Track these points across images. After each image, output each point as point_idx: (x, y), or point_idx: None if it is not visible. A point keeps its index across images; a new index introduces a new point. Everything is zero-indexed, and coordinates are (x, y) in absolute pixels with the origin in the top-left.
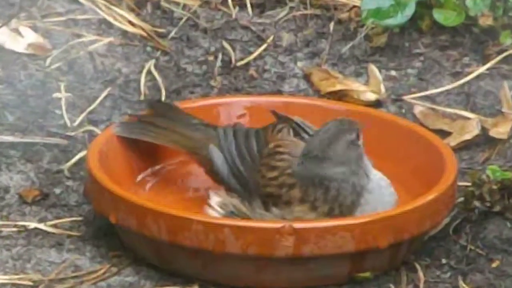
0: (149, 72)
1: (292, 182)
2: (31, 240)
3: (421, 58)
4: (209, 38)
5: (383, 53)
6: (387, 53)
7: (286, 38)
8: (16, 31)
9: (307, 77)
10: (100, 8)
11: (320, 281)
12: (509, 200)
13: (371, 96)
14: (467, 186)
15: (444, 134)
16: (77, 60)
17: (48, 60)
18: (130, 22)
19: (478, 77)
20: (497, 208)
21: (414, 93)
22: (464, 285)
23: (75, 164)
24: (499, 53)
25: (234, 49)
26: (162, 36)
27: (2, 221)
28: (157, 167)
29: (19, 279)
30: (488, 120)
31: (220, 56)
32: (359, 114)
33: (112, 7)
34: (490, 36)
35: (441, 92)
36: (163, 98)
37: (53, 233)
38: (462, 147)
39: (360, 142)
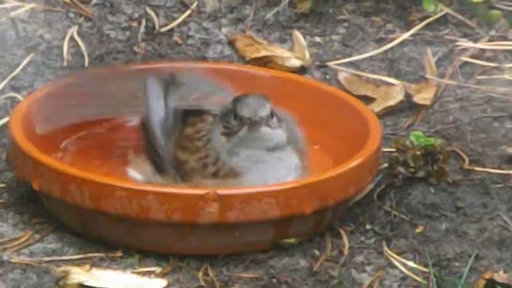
0: (72, 39)
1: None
2: None
3: (345, 24)
4: (132, 4)
5: (307, 19)
6: (312, 19)
7: (210, 4)
8: None
9: (231, 43)
10: None
11: (245, 247)
12: (433, 166)
13: (296, 62)
14: (391, 152)
15: (368, 100)
16: None
17: None
18: None
19: (402, 43)
20: (420, 174)
21: (338, 59)
22: (388, 251)
23: None
24: (422, 19)
25: (157, 15)
26: (85, 2)
27: None
28: (82, 133)
29: None
30: (412, 86)
31: (143, 22)
32: (283, 80)
33: None
34: (414, 2)
35: (365, 58)
36: (86, 65)
37: None
38: (386, 113)
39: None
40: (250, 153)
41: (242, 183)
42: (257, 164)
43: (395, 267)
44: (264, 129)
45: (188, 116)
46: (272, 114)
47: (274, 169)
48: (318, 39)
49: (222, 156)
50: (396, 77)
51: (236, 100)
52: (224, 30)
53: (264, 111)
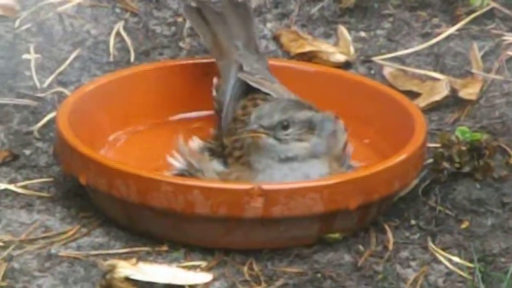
0: (118, 34)
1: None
2: (1, 201)
3: (391, 19)
4: None
5: (352, 14)
6: (357, 14)
7: (255, 0)
8: None
9: (276, 39)
10: None
11: (289, 242)
12: (478, 161)
13: (341, 57)
14: (436, 147)
15: (413, 95)
16: (46, 21)
17: (17, 22)
18: None
19: (447, 38)
20: (466, 169)
21: (383, 54)
22: (433, 246)
23: (45, 125)
24: (468, 14)
25: None
26: None
27: None
28: (128, 128)
29: None
30: (457, 81)
31: None
32: (328, 76)
33: None
34: None
35: (411, 53)
36: (132, 60)
37: (23, 194)
38: (432, 108)
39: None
40: (259, 159)
41: (254, 180)
42: (267, 169)
43: (440, 262)
44: (265, 140)
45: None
46: (286, 126)
47: (285, 178)
48: (363, 34)
49: (246, 146)
50: (442, 72)
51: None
52: (269, 25)
53: (268, 121)
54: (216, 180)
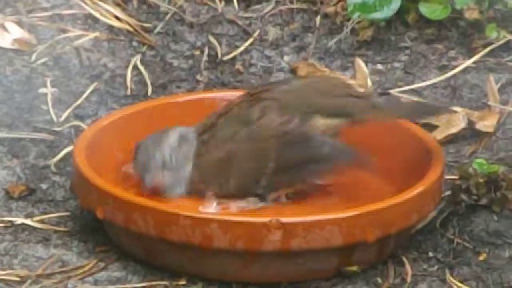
0: (135, 67)
1: None
2: (17, 235)
3: (407, 51)
4: (195, 32)
5: (369, 47)
6: (374, 47)
7: (273, 33)
8: (2, 26)
9: (293, 71)
10: (85, 3)
11: (308, 275)
12: (496, 193)
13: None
14: (454, 180)
15: (430, 127)
16: (63, 55)
17: (34, 55)
18: (116, 17)
19: (464, 70)
20: (484, 201)
21: (400, 86)
22: (451, 278)
23: (62, 159)
24: (485, 46)
25: (220, 44)
26: (148, 31)
27: None
28: None
29: (6, 274)
30: (474, 113)
31: (206, 50)
32: None
33: (98, 1)
34: (476, 29)
35: (428, 86)
36: (149, 93)
37: (40, 229)
38: (449, 141)
39: None
40: None
41: None
42: None
43: None
44: None
45: None
46: None
47: None
48: (380, 66)
49: None
50: (459, 104)
51: None
52: (286, 58)
53: None
54: (234, 213)
